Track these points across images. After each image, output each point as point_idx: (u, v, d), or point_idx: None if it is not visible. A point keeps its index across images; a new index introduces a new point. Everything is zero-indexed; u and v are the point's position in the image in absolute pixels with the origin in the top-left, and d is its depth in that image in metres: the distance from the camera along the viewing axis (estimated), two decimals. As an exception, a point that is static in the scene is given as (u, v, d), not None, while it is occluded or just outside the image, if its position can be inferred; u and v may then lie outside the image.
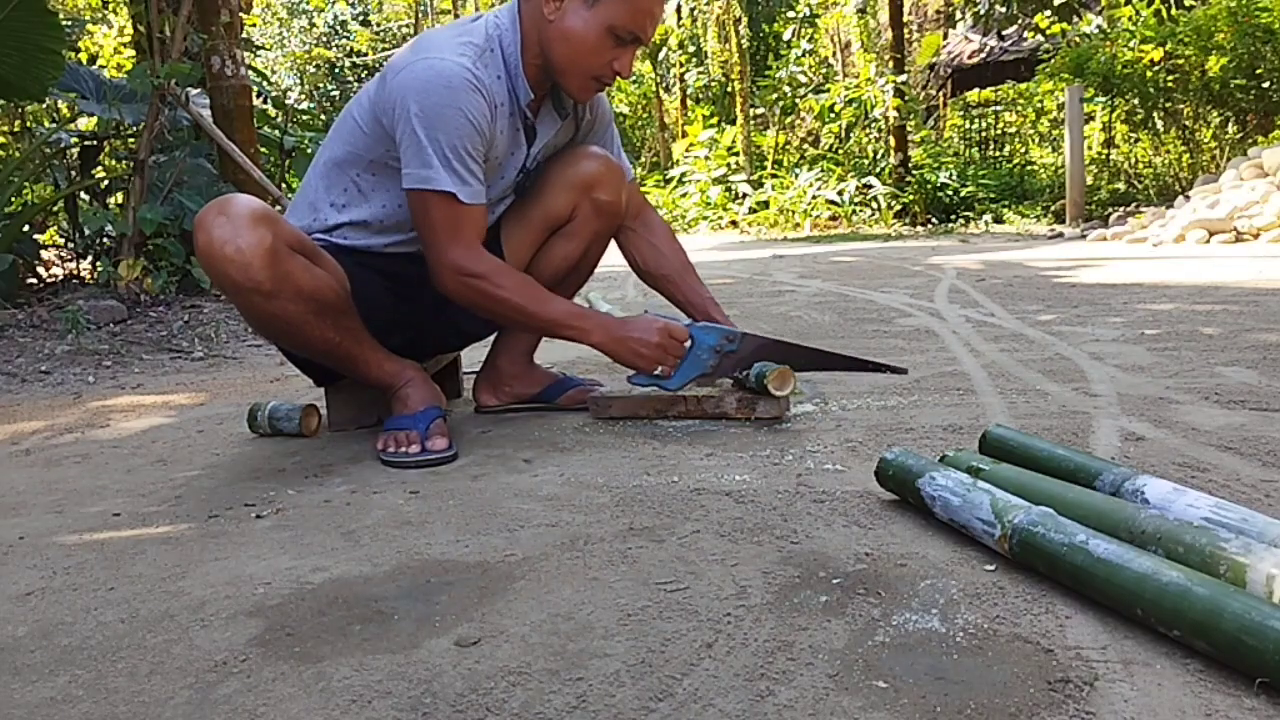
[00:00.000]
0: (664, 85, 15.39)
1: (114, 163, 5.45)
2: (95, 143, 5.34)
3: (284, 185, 5.48)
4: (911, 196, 9.23)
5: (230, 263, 1.40)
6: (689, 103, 14.84)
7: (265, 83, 6.72)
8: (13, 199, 4.65)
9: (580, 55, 1.52)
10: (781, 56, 12.22)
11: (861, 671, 0.78)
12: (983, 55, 12.54)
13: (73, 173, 5.47)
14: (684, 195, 11.49)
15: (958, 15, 13.04)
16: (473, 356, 2.38)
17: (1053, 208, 8.01)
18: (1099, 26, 8.16)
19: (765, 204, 10.31)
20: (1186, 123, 7.30)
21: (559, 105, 1.67)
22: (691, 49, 15.24)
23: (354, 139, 1.60)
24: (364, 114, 1.58)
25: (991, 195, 9.09)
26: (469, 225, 1.53)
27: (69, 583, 1.08)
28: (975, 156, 10.92)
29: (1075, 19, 8.81)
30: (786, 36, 12.87)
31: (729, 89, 13.27)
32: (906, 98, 9.83)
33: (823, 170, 10.38)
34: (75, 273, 5.14)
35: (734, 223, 10.41)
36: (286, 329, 1.50)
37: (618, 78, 1.57)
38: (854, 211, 9.57)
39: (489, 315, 1.62)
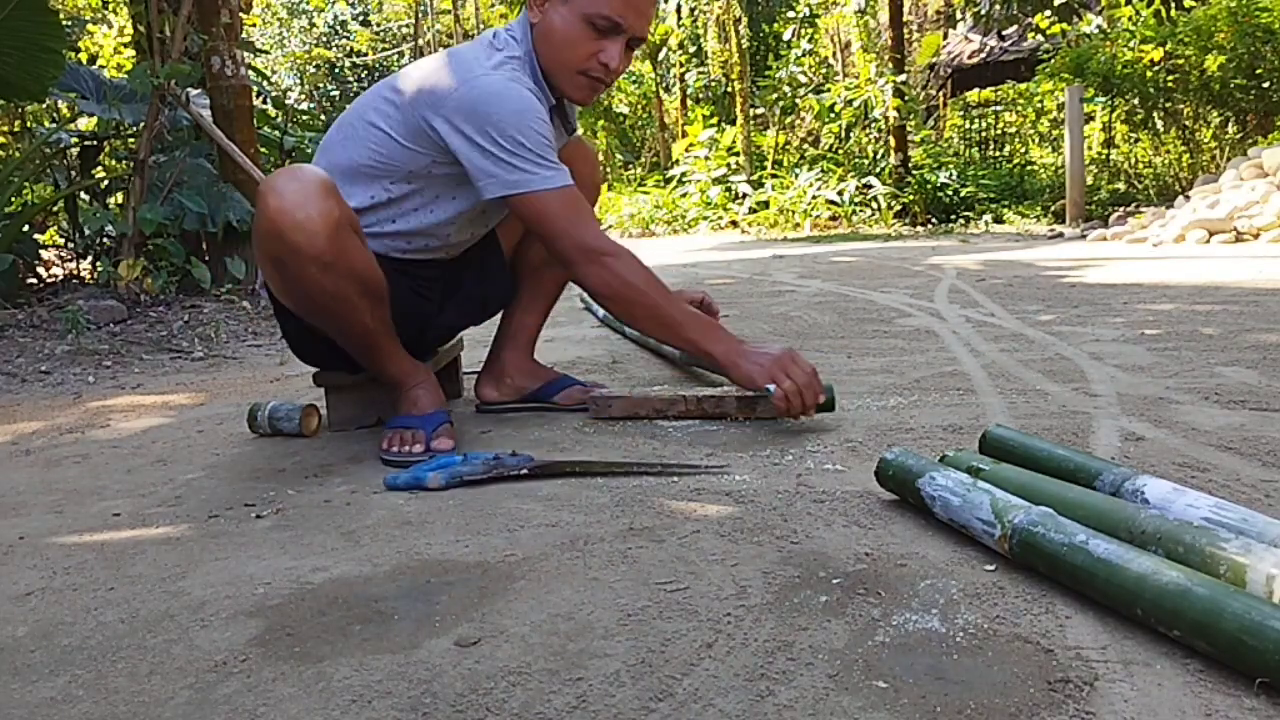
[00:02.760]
0: (664, 85, 15.39)
1: (114, 163, 5.46)
2: (95, 143, 5.34)
3: (284, 185, 5.47)
4: (911, 196, 9.22)
5: (299, 229, 1.40)
6: (689, 103, 14.84)
7: (265, 83, 6.72)
8: (13, 199, 4.65)
9: (562, 50, 1.54)
10: (781, 56, 12.22)
11: (861, 671, 0.78)
12: (983, 55, 12.54)
13: (73, 173, 5.47)
14: (684, 195, 11.49)
15: (958, 15, 13.04)
16: (473, 357, 2.38)
17: (1053, 208, 8.00)
18: (1099, 26, 8.15)
19: (765, 204, 10.30)
20: (1186, 123, 7.29)
21: (567, 125, 1.73)
22: (691, 49, 15.24)
23: (386, 149, 1.57)
24: (399, 126, 1.55)
25: (991, 195, 9.09)
26: (584, 208, 1.56)
27: (69, 583, 1.08)
28: (975, 156, 10.91)
29: (1075, 19, 8.81)
30: (786, 36, 12.86)
31: (729, 89, 13.27)
32: (906, 98, 9.82)
33: (823, 170, 10.38)
34: (75, 273, 5.15)
35: (734, 223, 10.40)
36: (331, 305, 1.50)
37: (611, 74, 1.56)
38: (854, 211, 9.57)
39: (622, 302, 1.57)
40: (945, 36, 13.32)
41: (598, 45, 1.53)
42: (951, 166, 9.82)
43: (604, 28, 1.52)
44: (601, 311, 3.08)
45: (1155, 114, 7.41)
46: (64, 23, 4.37)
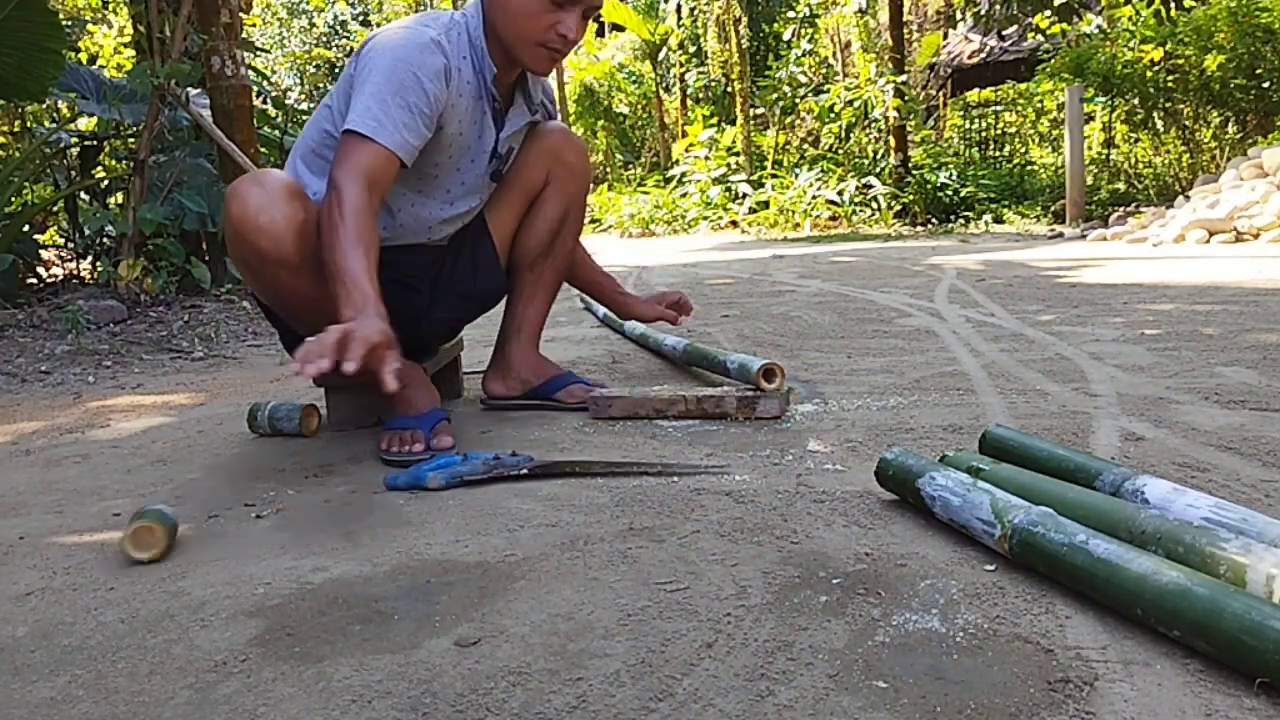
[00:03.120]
0: (664, 85, 15.39)
1: (114, 163, 5.46)
2: (95, 143, 5.34)
3: (284, 185, 5.47)
4: (911, 196, 9.22)
5: (263, 233, 1.41)
6: (689, 103, 14.83)
7: (265, 83, 6.72)
8: (13, 199, 4.65)
9: (519, 21, 1.53)
10: (781, 56, 12.21)
11: (861, 671, 0.78)
12: (983, 55, 12.55)
13: (73, 173, 5.47)
14: (684, 195, 11.49)
15: (958, 15, 13.04)
16: (472, 356, 2.38)
17: (1053, 208, 8.00)
18: (1099, 26, 8.15)
19: (765, 204, 10.30)
20: (1186, 123, 7.29)
21: (528, 100, 1.72)
22: (691, 49, 15.24)
23: (331, 124, 1.60)
24: (340, 97, 1.58)
25: (991, 195, 9.08)
26: (365, 163, 1.44)
27: (69, 583, 1.08)
28: (975, 156, 10.91)
29: (1075, 19, 8.81)
30: (786, 36, 12.86)
31: (729, 89, 13.27)
32: (906, 98, 9.82)
33: (823, 170, 10.38)
34: (75, 273, 5.15)
35: (734, 223, 10.40)
36: (307, 305, 1.50)
37: (569, 44, 1.56)
38: (854, 211, 9.57)
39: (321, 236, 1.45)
40: (945, 36, 13.32)
41: (555, 17, 1.53)
42: (951, 166, 9.82)
43: (563, 1, 1.51)
44: (601, 311, 3.07)
45: (1155, 114, 7.41)
46: (64, 23, 4.37)
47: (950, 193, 9.16)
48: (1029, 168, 10.05)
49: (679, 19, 14.90)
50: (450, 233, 1.77)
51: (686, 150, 12.11)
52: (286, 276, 1.45)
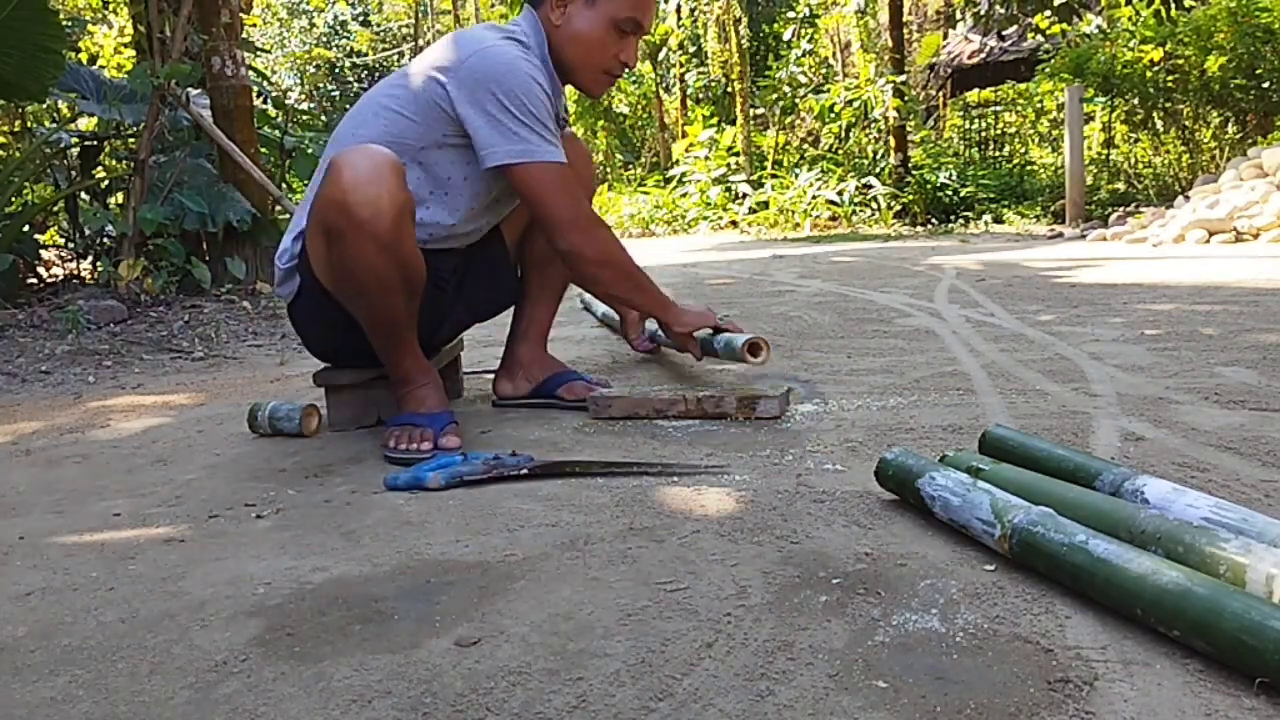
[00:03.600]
0: (664, 85, 15.38)
1: (114, 163, 5.45)
2: (95, 143, 5.34)
3: (284, 185, 5.48)
4: (911, 197, 9.22)
5: (368, 205, 1.43)
6: (689, 103, 14.83)
7: (265, 83, 6.72)
8: (13, 199, 4.65)
9: (591, 53, 1.63)
10: (781, 57, 12.21)
11: (861, 671, 0.78)
12: (983, 55, 12.54)
13: (73, 173, 5.47)
14: (684, 195, 11.48)
15: (958, 15, 13.04)
16: (472, 356, 2.38)
17: (1052, 208, 8.00)
18: (1099, 27, 8.15)
19: (765, 204, 10.30)
20: (1186, 123, 7.29)
21: (558, 115, 1.77)
22: (691, 49, 15.24)
23: (397, 128, 1.59)
24: (409, 104, 1.58)
25: (991, 195, 9.08)
26: (578, 187, 1.61)
27: (69, 583, 1.08)
28: (975, 157, 10.91)
29: (1075, 19, 8.80)
30: (786, 36, 12.86)
31: (729, 89, 13.26)
32: (906, 98, 9.82)
33: (823, 170, 10.37)
34: (75, 273, 5.15)
35: (734, 223, 10.40)
36: (375, 286, 1.51)
37: (627, 70, 1.66)
38: (854, 212, 9.56)
39: (613, 265, 1.66)
40: (945, 37, 13.32)
41: (620, 45, 1.63)
42: (951, 167, 9.81)
43: (629, 29, 1.62)
44: (601, 310, 3.07)
45: (1155, 114, 7.40)
46: (64, 23, 4.37)
47: (950, 193, 9.15)
48: (1029, 168, 10.05)
49: (679, 19, 14.89)
50: (477, 236, 1.80)
51: (686, 150, 12.10)
52: (374, 252, 1.47)
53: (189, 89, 4.51)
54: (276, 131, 5.64)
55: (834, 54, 13.53)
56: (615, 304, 2.08)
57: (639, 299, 1.76)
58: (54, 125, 5.67)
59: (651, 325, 2.23)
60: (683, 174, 11.85)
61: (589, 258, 1.61)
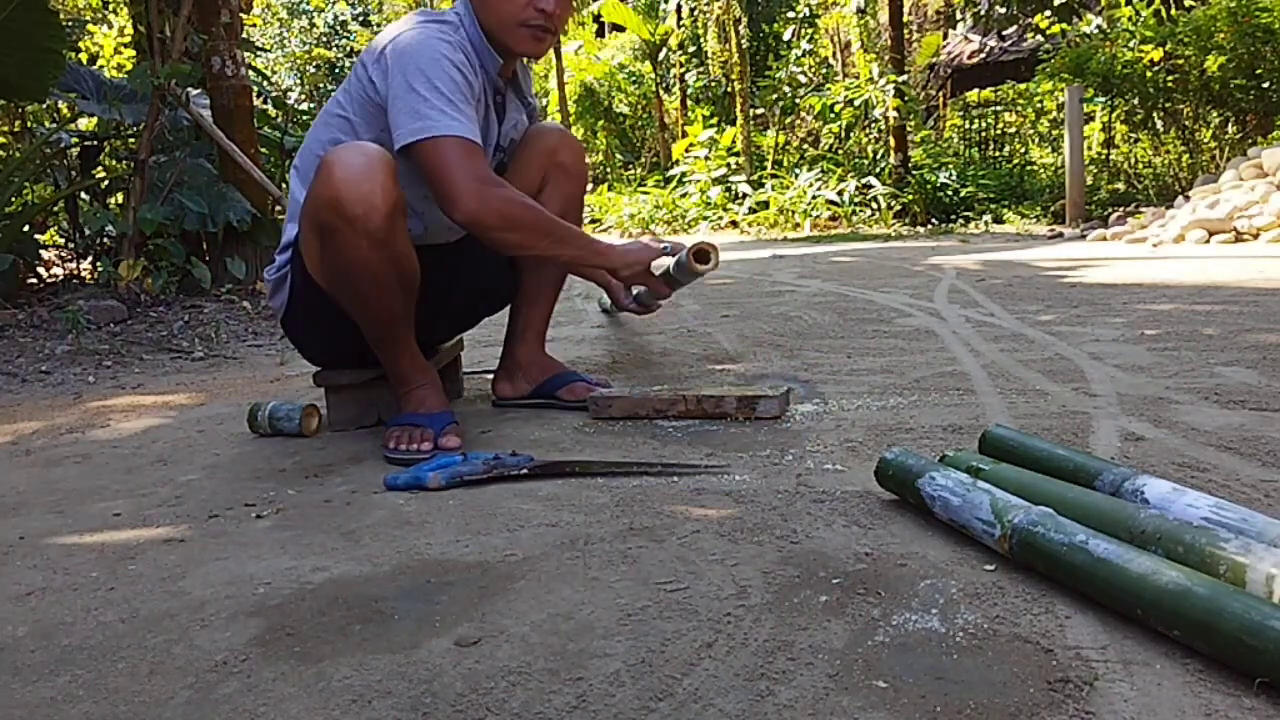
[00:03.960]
0: (664, 85, 15.38)
1: (114, 163, 5.45)
2: (95, 143, 5.34)
3: (284, 185, 5.48)
4: (911, 196, 9.21)
5: (361, 201, 1.43)
6: (689, 103, 14.82)
7: (265, 83, 6.72)
8: (13, 199, 4.65)
9: (499, 7, 1.57)
10: (781, 56, 12.20)
11: (861, 671, 0.78)
12: (983, 55, 12.54)
13: (73, 173, 5.47)
14: (684, 195, 11.47)
15: (958, 15, 13.04)
16: (472, 356, 2.38)
17: (1052, 208, 7.99)
18: (1099, 27, 8.14)
19: (765, 204, 10.29)
20: (1186, 123, 7.29)
21: (520, 94, 1.77)
22: (691, 49, 15.23)
23: (342, 132, 1.62)
24: (350, 103, 1.61)
25: (991, 195, 9.07)
26: (480, 157, 1.53)
27: (69, 583, 1.08)
28: (975, 157, 10.90)
29: (1075, 19, 8.80)
30: (786, 36, 12.85)
31: (729, 89, 13.26)
32: (906, 98, 9.81)
33: (823, 170, 10.36)
34: (75, 273, 5.14)
35: (734, 223, 10.39)
36: (370, 283, 1.51)
37: (552, 19, 1.58)
38: (854, 212, 9.56)
39: (519, 225, 1.53)
40: (945, 37, 13.32)
41: None
42: (951, 167, 9.81)
43: None
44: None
45: (1155, 114, 7.40)
46: (64, 23, 4.37)
47: (950, 193, 9.15)
48: (1029, 168, 10.04)
49: (679, 19, 14.89)
50: (450, 231, 1.78)
51: (686, 150, 12.09)
52: (368, 248, 1.47)
53: (189, 89, 4.51)
54: (276, 131, 5.64)
55: (834, 54, 13.53)
56: (552, 265, 1.86)
57: (566, 252, 1.62)
58: (54, 125, 5.67)
59: (638, 287, 2.13)
60: (683, 174, 11.84)
61: (489, 224, 1.50)
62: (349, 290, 1.55)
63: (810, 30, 12.82)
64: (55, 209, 5.43)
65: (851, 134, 11.02)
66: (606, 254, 1.65)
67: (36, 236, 5.31)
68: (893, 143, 9.81)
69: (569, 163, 1.82)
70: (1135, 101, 7.34)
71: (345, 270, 1.51)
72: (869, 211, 9.55)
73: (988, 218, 8.28)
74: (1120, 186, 8.05)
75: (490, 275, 1.87)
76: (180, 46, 4.36)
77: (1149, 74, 6.96)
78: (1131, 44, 7.07)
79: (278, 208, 4.73)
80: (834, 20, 12.79)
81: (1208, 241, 5.13)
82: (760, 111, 12.27)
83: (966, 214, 8.70)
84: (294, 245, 1.65)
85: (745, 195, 10.76)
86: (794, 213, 9.81)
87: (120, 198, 5.15)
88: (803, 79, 12.01)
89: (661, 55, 14.71)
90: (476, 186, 1.48)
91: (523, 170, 1.80)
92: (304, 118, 6.05)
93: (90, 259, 5.02)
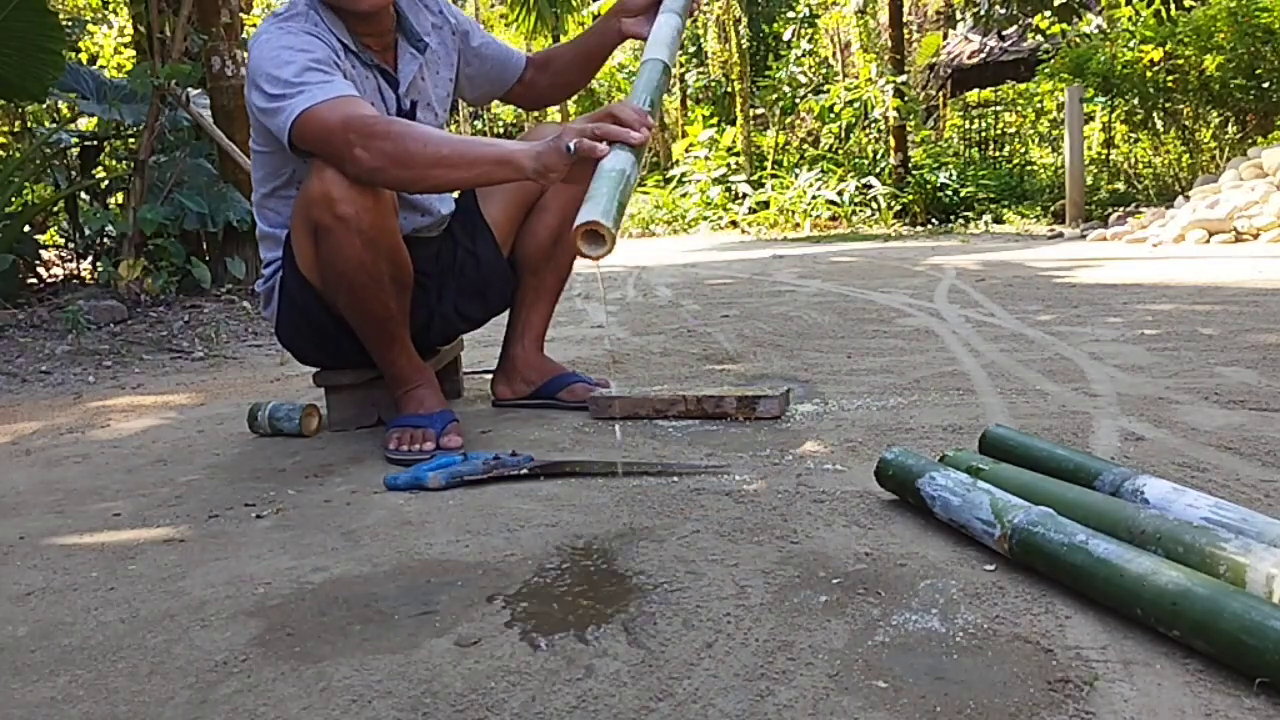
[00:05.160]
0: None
1: (114, 163, 5.46)
2: (95, 143, 5.34)
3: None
4: (911, 197, 9.22)
5: (351, 200, 1.43)
6: (689, 103, 14.83)
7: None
8: (13, 199, 4.65)
9: None
10: (781, 57, 12.20)
11: (861, 671, 0.78)
12: (983, 55, 12.53)
13: (73, 173, 5.47)
14: (684, 195, 11.47)
15: (958, 16, 13.03)
16: (472, 356, 2.38)
17: (1052, 208, 7.99)
18: (1099, 27, 8.15)
19: (765, 204, 10.29)
20: (1186, 123, 7.29)
21: (412, 39, 1.68)
22: (691, 49, 15.24)
23: (266, 164, 1.63)
24: (258, 136, 1.61)
25: (991, 195, 9.07)
26: (353, 106, 1.44)
27: (69, 583, 1.08)
28: (975, 157, 10.89)
29: (1075, 19, 8.80)
30: (786, 37, 12.85)
31: (729, 89, 13.25)
32: (906, 98, 9.81)
33: (823, 170, 10.36)
34: (75, 273, 5.15)
35: (734, 223, 10.40)
36: (363, 281, 1.51)
37: None
38: (854, 212, 9.56)
39: (413, 174, 1.41)
40: (945, 37, 13.31)
41: None
42: (951, 167, 9.81)
43: None
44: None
45: (1155, 114, 7.40)
46: (64, 23, 4.37)
47: (950, 193, 9.15)
48: (1029, 168, 10.04)
49: (679, 19, 14.86)
50: (443, 212, 1.79)
51: (686, 150, 12.09)
52: (360, 246, 1.47)
53: (189, 89, 4.51)
54: (276, 131, 5.63)
55: (834, 54, 13.52)
56: (463, 189, 1.72)
57: (471, 174, 1.41)
58: (54, 125, 5.67)
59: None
60: (683, 174, 11.84)
61: (377, 166, 1.38)
62: (343, 289, 1.55)
63: (810, 30, 12.82)
64: (55, 209, 5.44)
65: (851, 134, 11.02)
66: (517, 159, 1.34)
67: (36, 236, 5.32)
68: (893, 143, 9.81)
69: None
70: (1135, 101, 7.34)
71: (339, 269, 1.51)
72: (869, 211, 9.55)
73: (988, 218, 8.28)
74: (1120, 186, 8.05)
75: (483, 265, 1.83)
76: (180, 46, 4.36)
77: (1149, 74, 6.96)
78: (1131, 44, 7.07)
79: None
80: (834, 20, 12.78)
81: (1208, 241, 5.13)
82: (760, 111, 12.27)
83: (966, 214, 8.70)
84: (284, 247, 1.65)
85: (745, 195, 10.76)
86: (794, 213, 9.81)
87: (120, 198, 5.15)
88: (803, 79, 12.01)
89: (661, 55, 14.67)
90: (355, 139, 1.38)
91: None
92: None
93: (90, 259, 5.02)
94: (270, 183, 1.65)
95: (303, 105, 1.43)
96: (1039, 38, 9.16)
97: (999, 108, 11.25)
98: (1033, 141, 10.92)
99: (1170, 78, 6.91)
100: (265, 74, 1.47)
